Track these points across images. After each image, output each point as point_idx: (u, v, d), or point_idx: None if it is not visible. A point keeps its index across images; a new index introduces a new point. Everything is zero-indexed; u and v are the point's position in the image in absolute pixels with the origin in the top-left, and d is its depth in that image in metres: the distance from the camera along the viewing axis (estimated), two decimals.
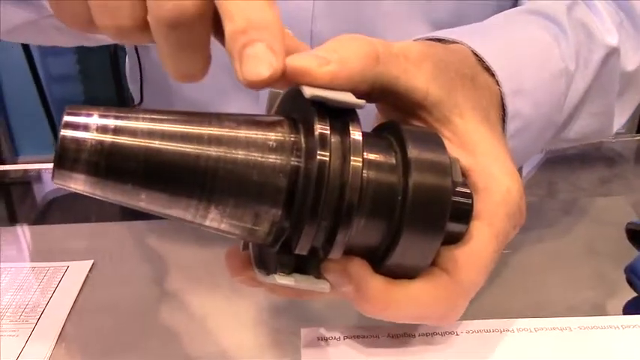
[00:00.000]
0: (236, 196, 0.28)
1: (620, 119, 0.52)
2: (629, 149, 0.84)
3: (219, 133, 0.28)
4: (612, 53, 0.48)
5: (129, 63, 0.71)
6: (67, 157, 0.26)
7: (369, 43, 0.31)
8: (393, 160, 0.30)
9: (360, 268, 0.30)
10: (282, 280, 0.29)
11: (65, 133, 0.26)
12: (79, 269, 0.54)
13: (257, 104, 0.65)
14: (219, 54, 0.62)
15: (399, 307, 0.31)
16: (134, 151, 0.27)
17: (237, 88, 0.65)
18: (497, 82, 0.38)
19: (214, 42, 0.66)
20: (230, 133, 0.28)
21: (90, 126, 0.26)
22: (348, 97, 0.28)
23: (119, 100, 2.17)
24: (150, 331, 0.49)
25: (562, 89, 0.44)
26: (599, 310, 0.50)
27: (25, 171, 0.81)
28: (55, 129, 2.48)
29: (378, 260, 0.30)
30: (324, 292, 0.30)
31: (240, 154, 0.27)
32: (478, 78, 0.37)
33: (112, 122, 0.27)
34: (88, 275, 0.54)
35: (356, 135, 0.28)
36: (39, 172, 0.79)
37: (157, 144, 0.27)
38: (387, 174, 0.29)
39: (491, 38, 0.42)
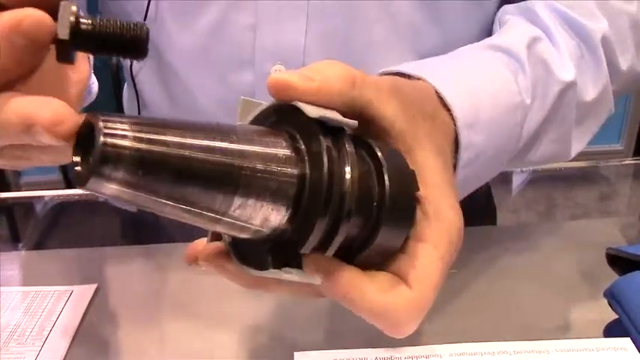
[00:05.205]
0: (255, 199, 0.31)
1: (578, 145, 0.56)
2: (623, 172, 0.86)
3: (240, 147, 0.31)
4: (569, 87, 0.52)
5: (127, 94, 0.73)
6: (107, 162, 0.27)
7: (347, 68, 0.35)
8: (373, 170, 0.34)
9: (330, 260, 0.34)
10: (286, 274, 0.32)
11: (105, 140, 0.27)
12: (83, 293, 0.56)
13: None
14: (212, 89, 0.63)
15: (361, 294, 0.34)
16: (165, 159, 0.28)
17: (230, 120, 0.66)
18: (453, 118, 0.42)
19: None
20: (248, 147, 0.31)
21: (127, 136, 0.27)
22: (344, 119, 0.33)
23: None
24: (153, 355, 0.51)
25: (517, 121, 0.48)
26: (584, 332, 0.52)
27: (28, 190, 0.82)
28: None
29: (354, 252, 0.35)
30: (316, 283, 0.33)
31: (258, 165, 0.31)
32: (438, 115, 0.41)
33: (145, 131, 0.28)
34: (91, 299, 0.56)
35: (351, 148, 0.32)
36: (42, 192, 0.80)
37: (187, 153, 0.29)
38: (369, 181, 0.34)
39: (453, 75, 0.46)
